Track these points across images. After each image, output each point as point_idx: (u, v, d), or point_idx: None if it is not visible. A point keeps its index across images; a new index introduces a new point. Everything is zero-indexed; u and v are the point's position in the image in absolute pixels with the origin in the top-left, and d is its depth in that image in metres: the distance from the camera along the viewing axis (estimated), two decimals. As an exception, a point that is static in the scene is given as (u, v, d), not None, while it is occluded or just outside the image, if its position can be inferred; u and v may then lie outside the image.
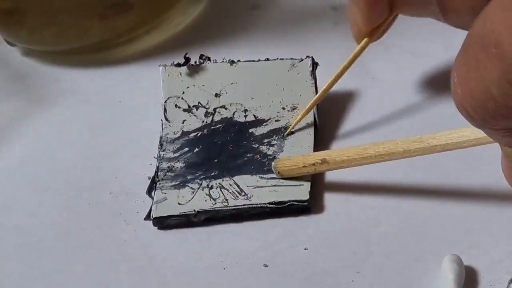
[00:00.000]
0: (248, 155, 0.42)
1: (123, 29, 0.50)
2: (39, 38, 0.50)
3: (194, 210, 0.40)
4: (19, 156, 0.46)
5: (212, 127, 0.44)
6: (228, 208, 0.40)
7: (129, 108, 0.48)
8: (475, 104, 0.27)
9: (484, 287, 0.36)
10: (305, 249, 0.38)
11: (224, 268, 0.38)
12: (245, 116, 0.44)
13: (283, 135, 0.43)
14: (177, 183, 0.42)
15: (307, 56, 0.44)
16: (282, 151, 0.42)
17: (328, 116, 0.44)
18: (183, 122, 0.44)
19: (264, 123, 0.44)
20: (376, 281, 0.37)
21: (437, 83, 0.45)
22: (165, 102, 0.45)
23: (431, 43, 0.48)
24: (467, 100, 0.28)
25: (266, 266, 0.38)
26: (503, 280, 0.35)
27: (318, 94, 0.43)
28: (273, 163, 0.41)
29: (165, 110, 0.45)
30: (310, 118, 0.43)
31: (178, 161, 0.43)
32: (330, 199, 0.40)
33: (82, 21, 0.49)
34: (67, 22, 0.49)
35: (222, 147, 0.43)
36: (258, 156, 0.42)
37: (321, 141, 0.43)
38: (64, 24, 0.49)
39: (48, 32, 0.50)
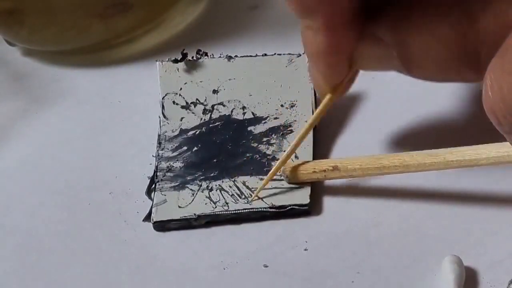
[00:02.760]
0: (247, 154, 0.42)
1: (123, 29, 0.50)
2: (39, 38, 0.50)
3: (195, 214, 0.40)
4: (19, 156, 0.46)
5: (210, 125, 0.44)
6: (228, 212, 0.40)
7: (129, 108, 0.48)
8: (505, 109, 0.27)
9: (484, 287, 0.36)
10: (305, 249, 0.38)
11: (224, 269, 0.38)
12: (244, 114, 0.44)
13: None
14: (176, 184, 0.42)
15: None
16: (281, 150, 0.42)
17: (328, 116, 0.44)
18: (181, 120, 0.44)
19: (263, 121, 0.44)
20: (376, 281, 0.37)
21: (438, 83, 0.45)
22: (163, 98, 0.45)
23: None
24: (498, 105, 0.28)
25: (266, 266, 0.38)
26: (503, 280, 0.35)
27: (281, 158, 0.40)
28: (282, 168, 0.41)
29: (163, 107, 0.45)
30: (309, 116, 0.43)
31: (177, 160, 0.43)
32: (330, 199, 0.40)
33: (82, 21, 0.49)
34: (67, 22, 0.49)
35: (221, 146, 0.43)
36: (258, 155, 0.42)
37: (321, 140, 0.43)
38: (64, 24, 0.49)
39: (48, 32, 0.50)
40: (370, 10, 0.36)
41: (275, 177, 0.41)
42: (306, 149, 0.42)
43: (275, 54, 0.45)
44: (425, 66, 0.35)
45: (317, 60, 0.38)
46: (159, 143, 0.44)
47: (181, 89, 0.45)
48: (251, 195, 0.40)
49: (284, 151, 0.42)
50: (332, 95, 0.39)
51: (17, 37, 0.51)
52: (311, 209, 0.40)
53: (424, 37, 0.35)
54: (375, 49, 0.36)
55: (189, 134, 0.44)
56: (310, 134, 0.42)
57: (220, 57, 0.45)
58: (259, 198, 0.40)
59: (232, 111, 0.44)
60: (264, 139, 0.43)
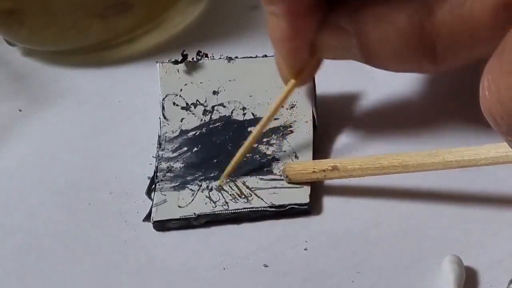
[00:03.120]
0: (247, 154, 0.42)
1: (123, 29, 0.50)
2: (39, 38, 0.50)
3: (195, 214, 0.40)
4: (19, 156, 0.46)
5: (210, 126, 0.44)
6: (228, 211, 0.40)
7: (129, 108, 0.48)
8: (502, 110, 0.27)
9: (484, 287, 0.36)
10: (305, 249, 0.38)
11: (224, 268, 0.38)
12: (244, 114, 0.44)
13: (281, 134, 0.42)
14: (176, 184, 0.42)
15: None
16: (281, 150, 0.42)
17: (328, 116, 0.44)
18: (181, 121, 0.44)
19: (263, 122, 0.44)
20: (376, 281, 0.37)
21: (438, 83, 0.45)
22: (163, 99, 0.45)
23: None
24: (495, 106, 0.28)
25: (266, 266, 0.38)
26: (503, 280, 0.35)
27: (244, 146, 0.41)
28: (281, 167, 0.41)
29: (163, 108, 0.45)
30: (308, 117, 0.43)
31: (177, 161, 0.43)
32: (330, 199, 0.40)
33: (82, 21, 0.49)
34: (67, 22, 0.49)
35: (221, 146, 0.43)
36: (258, 156, 0.42)
37: (321, 140, 0.43)
38: (64, 24, 0.49)
39: (48, 32, 0.50)
40: None
41: (275, 176, 0.41)
42: (306, 149, 0.42)
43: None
44: (383, 55, 0.36)
45: (279, 45, 0.39)
46: (159, 144, 0.44)
47: (181, 90, 0.45)
48: (251, 195, 0.40)
49: (284, 151, 0.42)
50: (295, 81, 0.40)
51: (17, 37, 0.51)
52: (311, 208, 0.40)
53: (382, 26, 0.35)
54: (336, 37, 0.37)
55: (189, 135, 0.44)
56: (310, 134, 0.42)
57: (220, 58, 0.45)
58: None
59: (232, 112, 0.44)
60: (264, 140, 0.43)
